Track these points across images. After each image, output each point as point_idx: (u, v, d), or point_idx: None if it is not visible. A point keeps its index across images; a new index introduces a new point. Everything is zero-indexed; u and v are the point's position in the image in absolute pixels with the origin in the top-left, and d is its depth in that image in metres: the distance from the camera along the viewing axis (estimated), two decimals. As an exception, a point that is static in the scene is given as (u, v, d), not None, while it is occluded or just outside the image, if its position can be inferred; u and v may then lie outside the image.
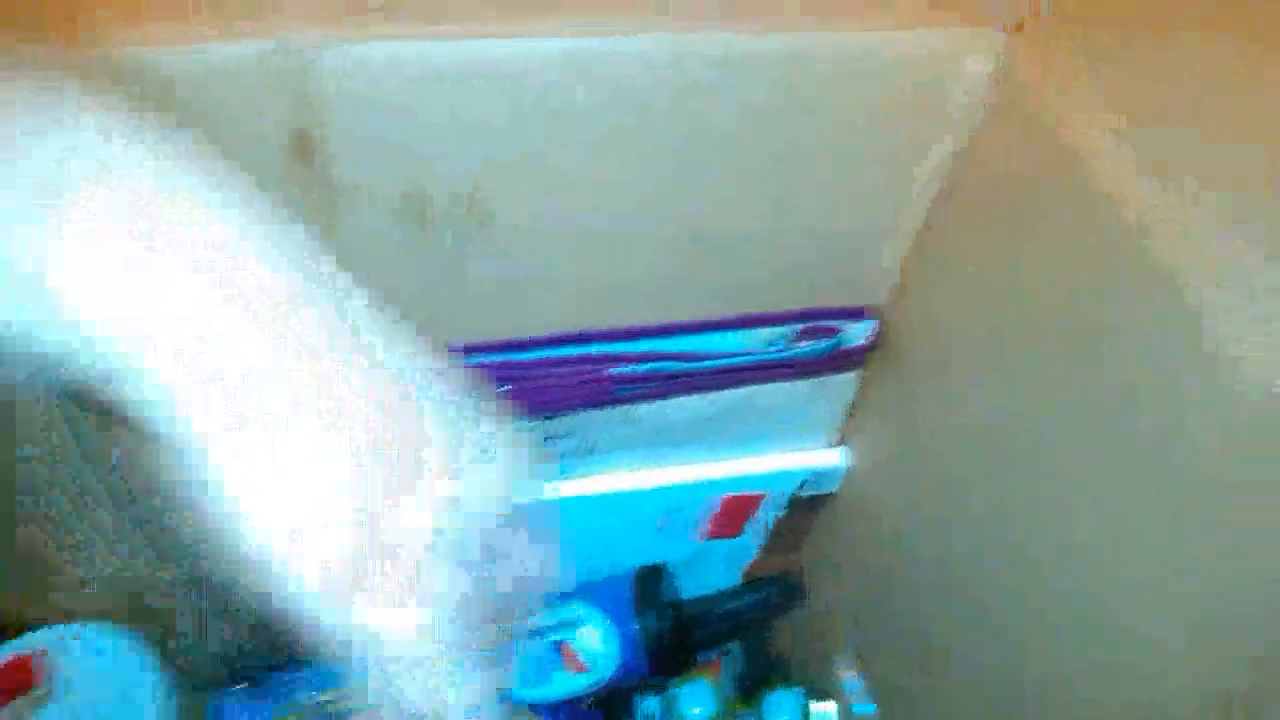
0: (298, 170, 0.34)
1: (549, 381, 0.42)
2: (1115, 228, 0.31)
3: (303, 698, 0.51)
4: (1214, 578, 0.30)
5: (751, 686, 0.58)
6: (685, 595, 0.55)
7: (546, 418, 0.43)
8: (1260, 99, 0.29)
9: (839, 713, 0.55)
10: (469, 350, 0.42)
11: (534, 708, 0.52)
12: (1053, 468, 0.37)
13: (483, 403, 0.25)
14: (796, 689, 0.55)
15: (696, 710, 0.53)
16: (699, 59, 0.35)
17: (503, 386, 0.41)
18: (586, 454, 0.46)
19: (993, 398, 0.41)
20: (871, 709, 0.53)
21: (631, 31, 0.34)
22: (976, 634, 0.44)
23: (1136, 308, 0.31)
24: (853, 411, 0.52)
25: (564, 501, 0.47)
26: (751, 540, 0.57)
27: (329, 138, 0.33)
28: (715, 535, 0.55)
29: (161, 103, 0.21)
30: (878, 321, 0.47)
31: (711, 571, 0.58)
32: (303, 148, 0.34)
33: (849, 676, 0.54)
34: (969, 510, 0.44)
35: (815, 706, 0.55)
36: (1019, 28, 0.36)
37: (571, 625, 0.52)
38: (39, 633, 0.47)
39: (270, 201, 0.22)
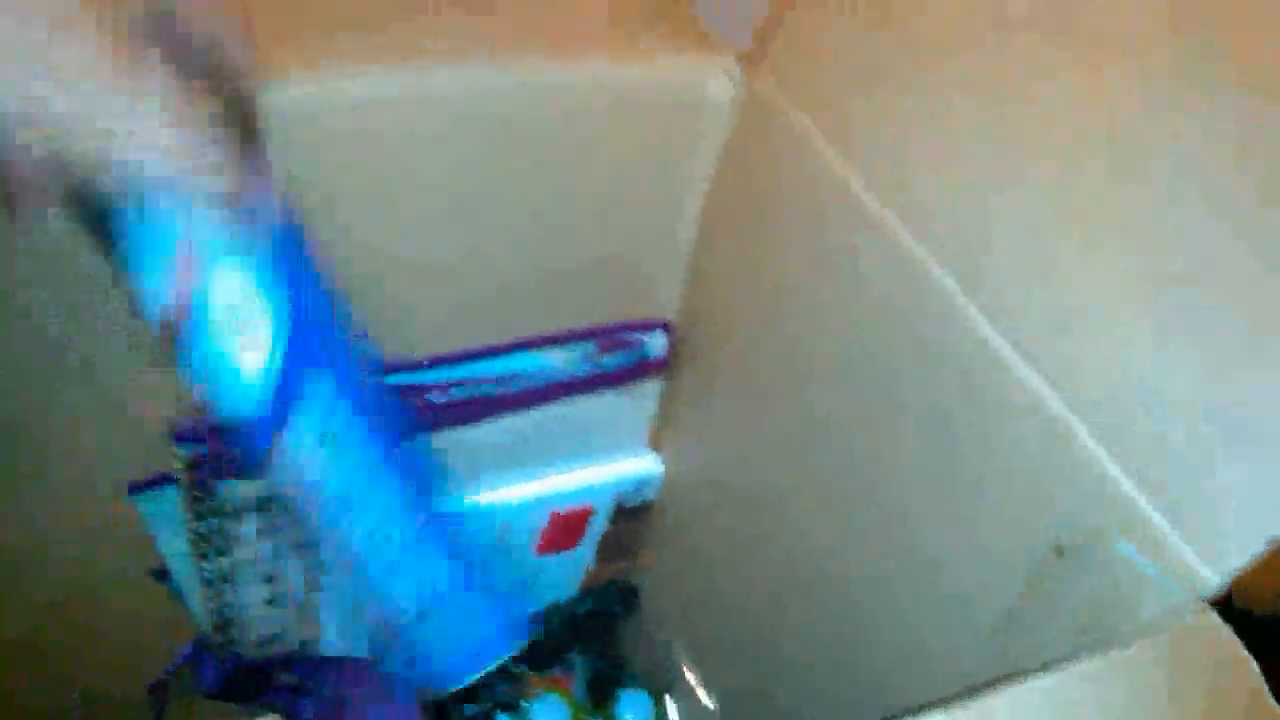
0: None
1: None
2: (843, 208, 0.37)
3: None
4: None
5: (601, 694, 0.60)
6: (529, 609, 0.57)
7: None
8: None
9: (681, 711, 0.58)
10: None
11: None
12: (843, 447, 0.41)
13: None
14: (643, 691, 0.57)
15: (550, 723, 0.55)
16: (475, 94, 0.38)
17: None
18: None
19: (780, 390, 0.45)
20: (712, 705, 0.56)
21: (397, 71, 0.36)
22: (800, 621, 0.48)
23: (876, 277, 0.36)
24: (662, 420, 0.55)
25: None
26: (587, 551, 0.59)
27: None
28: (551, 549, 0.58)
29: None
30: (672, 332, 0.51)
31: (551, 584, 0.60)
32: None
33: (689, 675, 0.57)
34: (777, 502, 0.47)
35: (662, 707, 0.58)
36: (752, 55, 0.41)
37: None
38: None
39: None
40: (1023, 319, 0.32)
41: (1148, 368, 0.29)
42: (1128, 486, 0.30)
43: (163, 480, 0.40)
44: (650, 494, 0.58)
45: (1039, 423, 0.32)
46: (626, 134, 0.42)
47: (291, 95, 0.34)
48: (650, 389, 0.53)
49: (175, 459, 0.38)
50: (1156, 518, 0.29)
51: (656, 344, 0.51)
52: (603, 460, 0.55)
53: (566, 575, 0.60)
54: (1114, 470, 0.30)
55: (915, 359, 0.36)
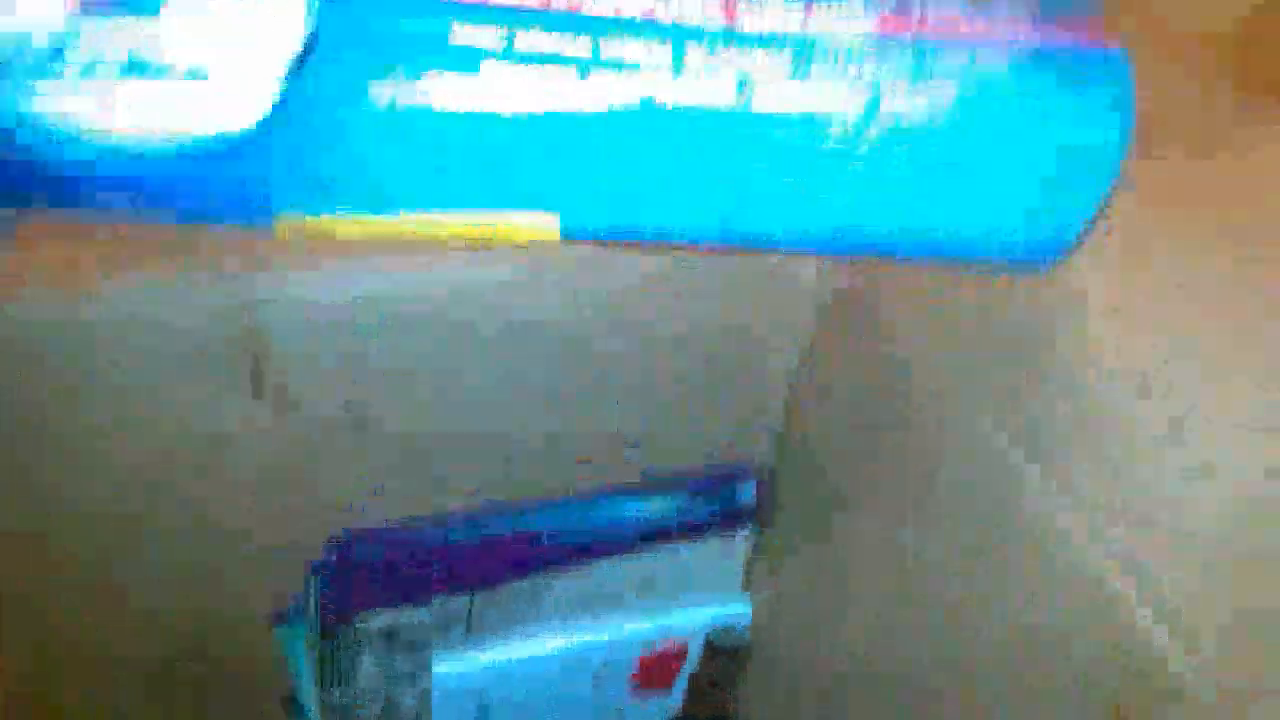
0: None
1: (470, 557, 0.48)
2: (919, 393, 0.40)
3: None
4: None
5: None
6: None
7: (470, 592, 0.48)
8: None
9: None
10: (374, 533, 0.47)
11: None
12: (935, 600, 0.43)
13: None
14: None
15: None
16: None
17: (427, 565, 0.47)
18: (509, 624, 0.51)
19: (874, 540, 0.47)
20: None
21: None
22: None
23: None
24: (753, 565, 0.58)
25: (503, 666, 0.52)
26: (678, 693, 0.61)
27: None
28: (643, 691, 0.59)
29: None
30: (761, 480, 0.54)
31: (643, 728, 0.62)
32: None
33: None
34: (867, 651, 0.49)
35: None
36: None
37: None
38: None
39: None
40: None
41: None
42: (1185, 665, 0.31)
43: (295, 612, 0.44)
44: (742, 637, 0.59)
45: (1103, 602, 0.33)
46: (709, 315, 0.46)
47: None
48: (741, 534, 0.56)
49: (309, 591, 0.43)
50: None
51: (748, 491, 0.54)
52: (694, 604, 0.57)
53: (659, 717, 0.62)
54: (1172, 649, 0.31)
55: (987, 525, 0.38)
